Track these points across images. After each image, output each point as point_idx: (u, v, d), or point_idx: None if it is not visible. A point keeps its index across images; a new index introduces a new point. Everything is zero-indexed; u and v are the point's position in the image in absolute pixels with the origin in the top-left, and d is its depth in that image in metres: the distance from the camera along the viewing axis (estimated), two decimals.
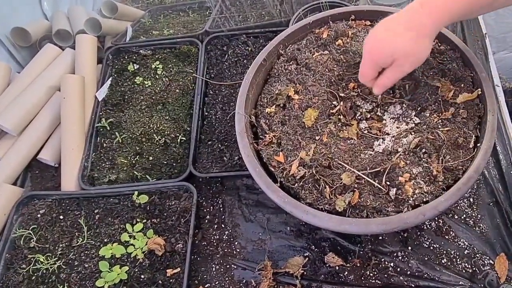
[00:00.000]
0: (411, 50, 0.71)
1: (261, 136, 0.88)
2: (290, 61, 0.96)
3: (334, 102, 0.86)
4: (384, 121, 0.83)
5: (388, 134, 0.80)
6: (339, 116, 0.85)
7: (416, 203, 0.71)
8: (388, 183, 0.73)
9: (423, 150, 0.75)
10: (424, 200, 0.71)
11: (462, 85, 0.80)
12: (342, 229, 0.69)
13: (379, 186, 0.73)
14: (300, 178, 0.77)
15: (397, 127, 0.81)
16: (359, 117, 0.85)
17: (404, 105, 0.83)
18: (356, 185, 0.74)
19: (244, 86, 0.90)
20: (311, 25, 0.99)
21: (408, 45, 0.70)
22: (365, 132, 0.82)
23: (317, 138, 0.82)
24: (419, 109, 0.81)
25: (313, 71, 0.91)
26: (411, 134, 0.78)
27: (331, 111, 0.85)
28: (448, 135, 0.75)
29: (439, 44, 0.87)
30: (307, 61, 0.93)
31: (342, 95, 0.86)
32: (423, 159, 0.74)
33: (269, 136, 0.85)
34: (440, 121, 0.78)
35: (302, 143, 0.82)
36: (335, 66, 0.90)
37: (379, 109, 0.85)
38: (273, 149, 0.84)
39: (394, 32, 0.71)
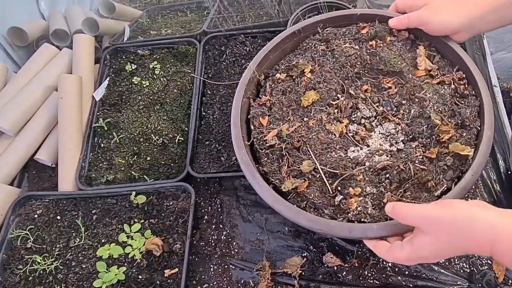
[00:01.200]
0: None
1: (260, 96, 0.91)
2: (323, 41, 0.96)
3: (339, 95, 0.86)
4: (372, 133, 0.82)
5: (368, 146, 0.79)
6: (335, 109, 0.85)
7: (353, 219, 0.70)
8: (339, 188, 0.73)
9: (387, 175, 0.73)
10: (362, 219, 0.70)
11: (464, 134, 0.75)
12: (275, 207, 0.71)
13: (329, 187, 0.73)
14: (270, 146, 0.80)
15: (380, 144, 0.80)
16: (353, 118, 0.84)
17: (399, 126, 0.81)
18: (310, 176, 0.75)
19: (268, 46, 0.93)
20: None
21: None
22: (350, 134, 0.82)
23: (305, 119, 0.84)
24: (410, 137, 0.79)
25: (336, 59, 0.91)
26: (386, 156, 0.76)
27: (331, 101, 0.85)
28: (420, 174, 0.72)
29: (466, 86, 0.81)
30: (336, 48, 0.92)
31: (351, 92, 0.86)
32: (382, 184, 0.73)
33: (265, 98, 0.88)
34: (421, 157, 0.74)
35: (289, 118, 0.84)
36: (358, 63, 0.89)
37: (376, 120, 0.84)
38: (262, 110, 0.87)
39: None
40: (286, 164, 0.77)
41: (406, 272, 0.86)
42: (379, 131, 0.82)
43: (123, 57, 1.41)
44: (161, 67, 1.35)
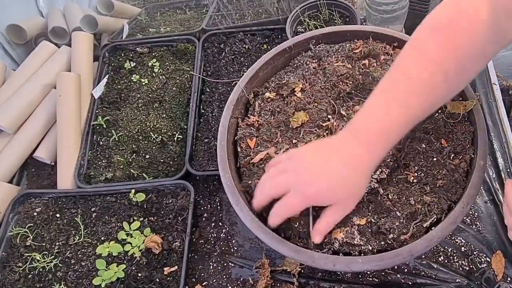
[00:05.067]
0: (350, 189, 0.64)
1: (249, 115, 0.88)
2: (315, 59, 0.94)
3: (330, 116, 0.84)
4: None
5: None
6: (326, 131, 0.82)
7: (339, 250, 0.68)
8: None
9: (374, 205, 0.72)
10: (348, 251, 0.68)
11: (456, 161, 0.74)
12: (258, 235, 0.69)
13: (314, 214, 0.70)
14: (257, 167, 0.79)
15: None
16: None
17: (390, 152, 0.77)
18: None
19: (258, 63, 0.91)
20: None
21: (346, 183, 0.63)
22: None
23: (293, 141, 0.81)
24: (401, 163, 0.76)
25: (327, 78, 0.89)
26: (375, 183, 0.74)
27: (321, 123, 0.83)
28: (401, 206, 0.70)
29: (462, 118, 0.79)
30: (327, 66, 0.90)
31: (343, 113, 0.84)
32: (369, 213, 0.71)
33: (253, 118, 0.86)
34: (410, 186, 0.73)
35: (278, 140, 0.82)
36: (350, 83, 0.86)
37: None
38: (250, 131, 0.84)
39: (332, 170, 0.63)
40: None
41: (405, 270, 0.86)
42: None
43: (122, 54, 1.40)
44: (160, 65, 1.35)
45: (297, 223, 0.71)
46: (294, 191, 0.64)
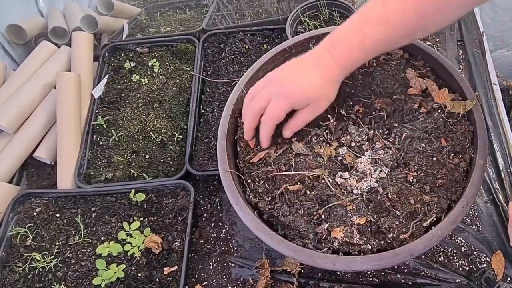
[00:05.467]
0: (322, 91, 0.74)
1: None
2: None
3: (329, 116, 0.84)
4: (362, 157, 0.79)
5: (357, 171, 0.77)
6: (326, 131, 0.82)
7: (339, 249, 0.69)
8: (324, 216, 0.71)
9: (374, 204, 0.72)
10: (347, 250, 0.68)
11: (456, 160, 0.74)
12: (258, 234, 0.70)
13: (315, 215, 0.71)
14: (256, 169, 0.79)
15: (369, 169, 0.77)
16: (342, 141, 0.82)
17: (389, 151, 0.79)
18: (297, 201, 0.73)
19: (258, 63, 0.92)
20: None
21: (318, 85, 0.73)
22: (338, 158, 0.80)
23: (293, 140, 0.82)
24: (401, 162, 0.76)
25: None
26: (375, 183, 0.74)
27: (321, 122, 0.83)
28: (401, 205, 0.70)
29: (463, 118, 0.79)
30: None
31: (342, 112, 0.84)
32: (369, 212, 0.71)
33: None
34: (410, 185, 0.73)
35: (278, 139, 0.82)
36: (350, 82, 0.86)
37: (367, 143, 0.82)
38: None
39: (305, 72, 0.73)
40: (270, 188, 0.76)
41: (405, 270, 0.86)
42: (369, 155, 0.79)
43: (122, 54, 1.40)
44: (160, 64, 1.35)
45: (297, 223, 0.71)
46: (275, 97, 0.74)
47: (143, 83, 1.31)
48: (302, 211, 0.72)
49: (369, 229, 0.69)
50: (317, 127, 0.82)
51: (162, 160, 1.12)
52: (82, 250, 0.97)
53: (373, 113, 0.84)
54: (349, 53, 0.70)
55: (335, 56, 0.71)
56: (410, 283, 0.85)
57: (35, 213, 1.04)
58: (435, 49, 1.09)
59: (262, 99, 0.76)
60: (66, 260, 0.96)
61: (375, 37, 0.68)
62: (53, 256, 0.96)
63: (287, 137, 0.79)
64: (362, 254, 0.67)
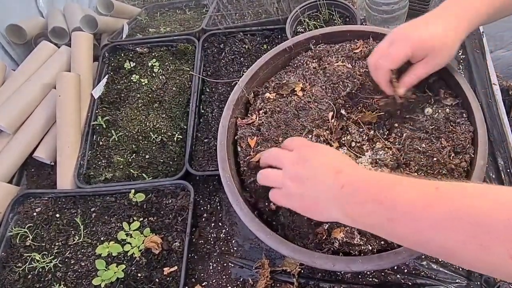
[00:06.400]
0: (446, 40, 0.70)
1: (249, 114, 0.89)
2: (315, 59, 0.94)
3: (329, 116, 0.84)
4: (362, 157, 0.79)
5: None
6: (326, 131, 0.82)
7: (338, 249, 0.68)
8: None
9: None
10: (347, 251, 0.68)
11: (457, 160, 0.74)
12: (258, 235, 0.69)
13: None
14: (256, 167, 0.78)
15: (369, 169, 0.77)
16: (343, 141, 0.82)
17: (390, 152, 0.78)
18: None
19: (258, 63, 0.91)
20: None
21: (442, 34, 0.70)
22: None
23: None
24: (402, 162, 0.76)
25: (327, 78, 0.88)
26: None
27: (321, 122, 0.83)
28: None
29: (461, 110, 0.80)
30: (328, 66, 0.90)
31: (343, 112, 0.84)
32: None
33: (254, 117, 0.86)
34: None
35: (279, 139, 0.82)
36: (350, 83, 0.86)
37: (367, 143, 0.81)
38: (250, 130, 0.84)
39: (426, 22, 0.71)
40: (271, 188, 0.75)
41: (405, 270, 0.86)
42: (369, 155, 0.79)
43: (122, 54, 1.40)
44: (159, 65, 1.35)
45: (297, 223, 0.71)
46: (396, 41, 0.72)
47: (143, 83, 1.31)
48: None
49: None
50: (318, 127, 0.82)
51: (162, 160, 1.12)
52: (82, 250, 0.97)
53: (374, 113, 0.83)
54: (474, 6, 0.70)
55: (462, 7, 0.71)
56: (410, 283, 0.84)
57: (35, 213, 1.04)
58: None
59: (381, 46, 0.75)
60: (66, 260, 0.96)
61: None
62: (52, 256, 0.96)
63: (402, 94, 0.76)
64: (362, 254, 0.67)
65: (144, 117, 1.23)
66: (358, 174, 0.59)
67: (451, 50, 0.72)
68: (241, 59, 1.31)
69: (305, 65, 0.93)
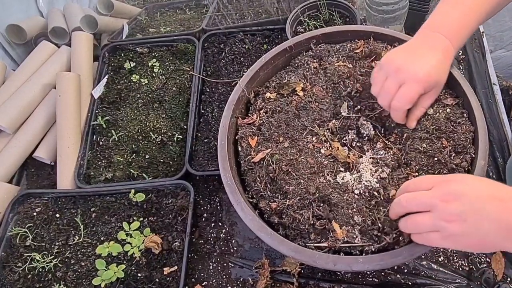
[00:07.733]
0: (444, 69, 0.73)
1: (250, 114, 0.88)
2: (316, 58, 0.94)
3: (330, 115, 0.84)
4: (363, 156, 0.79)
5: (358, 171, 0.77)
6: (327, 130, 0.82)
7: (340, 249, 0.68)
8: (325, 216, 0.71)
9: (376, 204, 0.71)
10: (349, 250, 0.68)
11: (457, 160, 0.74)
12: (259, 234, 0.69)
13: (319, 212, 0.71)
14: (257, 168, 0.78)
15: (370, 169, 0.77)
16: (344, 141, 0.82)
17: (391, 151, 0.78)
18: (298, 201, 0.73)
19: (259, 63, 0.91)
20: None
21: (440, 66, 0.72)
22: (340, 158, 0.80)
23: (295, 140, 0.82)
24: (402, 162, 0.76)
25: (328, 78, 0.88)
26: (376, 183, 0.74)
27: (322, 122, 0.83)
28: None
29: (462, 111, 0.79)
30: (328, 66, 0.90)
31: (344, 112, 0.84)
32: (371, 213, 0.70)
33: (254, 117, 0.86)
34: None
35: (279, 139, 0.81)
36: (351, 83, 0.86)
37: (368, 143, 0.81)
38: (251, 130, 0.84)
39: (425, 55, 0.72)
40: (271, 187, 0.76)
41: (405, 270, 0.86)
42: (370, 155, 0.79)
43: (122, 54, 1.40)
44: (160, 65, 1.35)
45: (298, 223, 0.71)
46: (406, 82, 0.72)
47: (143, 83, 1.31)
48: (305, 211, 0.72)
49: (371, 229, 0.69)
50: (318, 127, 0.82)
51: (162, 160, 1.12)
52: (82, 250, 0.97)
53: (375, 112, 0.84)
54: (459, 30, 0.73)
55: (449, 36, 0.72)
56: (410, 283, 0.85)
57: (35, 213, 1.04)
58: None
59: (390, 88, 0.74)
60: (66, 260, 0.96)
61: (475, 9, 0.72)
62: (52, 256, 0.96)
63: (413, 127, 0.78)
64: (363, 254, 0.67)
65: (144, 117, 1.23)
66: None
67: (446, 76, 0.76)
68: (241, 59, 1.31)
69: (305, 65, 0.93)
